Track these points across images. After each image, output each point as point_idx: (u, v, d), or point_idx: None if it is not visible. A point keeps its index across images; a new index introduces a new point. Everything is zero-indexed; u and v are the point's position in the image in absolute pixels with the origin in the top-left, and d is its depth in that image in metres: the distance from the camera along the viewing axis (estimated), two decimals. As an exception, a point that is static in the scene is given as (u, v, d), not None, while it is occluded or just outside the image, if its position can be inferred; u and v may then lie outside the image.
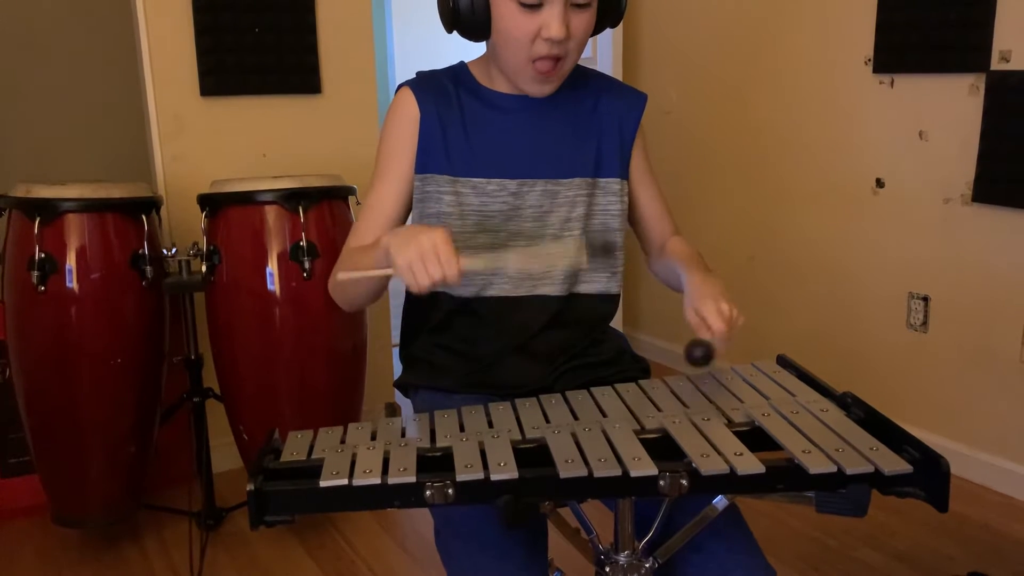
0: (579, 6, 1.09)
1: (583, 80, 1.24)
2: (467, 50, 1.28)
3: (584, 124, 1.22)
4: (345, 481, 0.85)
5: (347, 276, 1.07)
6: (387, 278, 1.06)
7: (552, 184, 1.19)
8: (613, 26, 1.20)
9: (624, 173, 1.23)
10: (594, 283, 1.23)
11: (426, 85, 1.20)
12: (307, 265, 1.93)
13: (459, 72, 1.23)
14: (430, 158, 1.18)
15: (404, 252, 0.96)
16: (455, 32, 1.15)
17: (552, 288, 1.20)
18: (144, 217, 1.96)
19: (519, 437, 0.93)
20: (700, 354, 0.99)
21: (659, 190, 1.29)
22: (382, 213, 1.18)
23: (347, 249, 1.19)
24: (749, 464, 0.84)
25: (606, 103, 1.23)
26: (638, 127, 1.25)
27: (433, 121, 1.17)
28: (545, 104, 1.20)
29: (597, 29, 1.18)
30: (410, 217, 1.22)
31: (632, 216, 1.29)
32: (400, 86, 1.21)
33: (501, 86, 1.20)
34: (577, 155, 1.21)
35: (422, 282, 0.96)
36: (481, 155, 1.18)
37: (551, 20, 1.07)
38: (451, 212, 1.17)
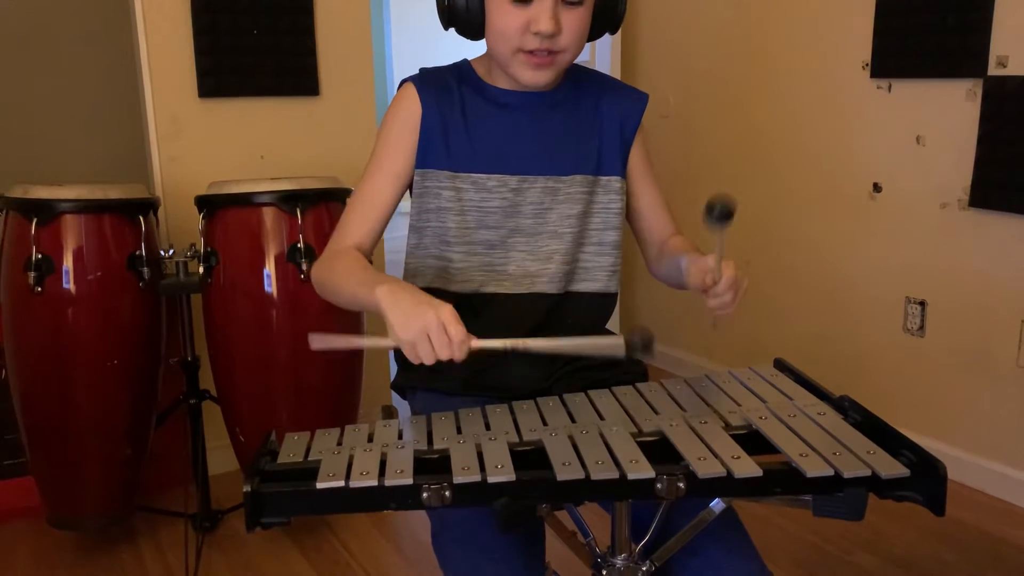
0: (571, 4, 1.10)
1: (585, 79, 1.24)
2: (465, 53, 1.28)
3: (585, 122, 1.22)
4: (341, 483, 0.85)
5: (326, 345, 0.99)
6: (371, 302, 0.99)
7: (552, 181, 1.19)
8: (612, 32, 1.20)
9: (625, 172, 1.24)
10: (592, 282, 1.23)
11: (429, 81, 1.20)
12: (304, 267, 1.93)
13: (462, 69, 1.23)
14: (430, 153, 1.18)
15: (408, 327, 0.93)
16: (452, 29, 1.16)
17: (549, 286, 1.20)
18: (141, 218, 1.96)
19: (516, 439, 0.93)
20: (719, 209, 0.91)
21: (659, 190, 1.29)
22: (373, 206, 1.18)
23: (337, 250, 1.17)
24: (746, 467, 0.84)
25: (607, 102, 1.23)
26: (639, 126, 1.25)
27: (434, 116, 1.18)
28: (547, 102, 1.20)
29: (595, 35, 1.18)
30: (409, 212, 1.22)
31: (631, 215, 1.29)
32: (403, 81, 1.21)
33: (503, 83, 1.20)
34: (578, 153, 1.21)
35: (426, 360, 0.93)
36: (481, 151, 1.18)
37: (540, 14, 1.08)
38: (450, 207, 1.17)
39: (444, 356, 0.93)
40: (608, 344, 0.94)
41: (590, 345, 0.94)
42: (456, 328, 0.93)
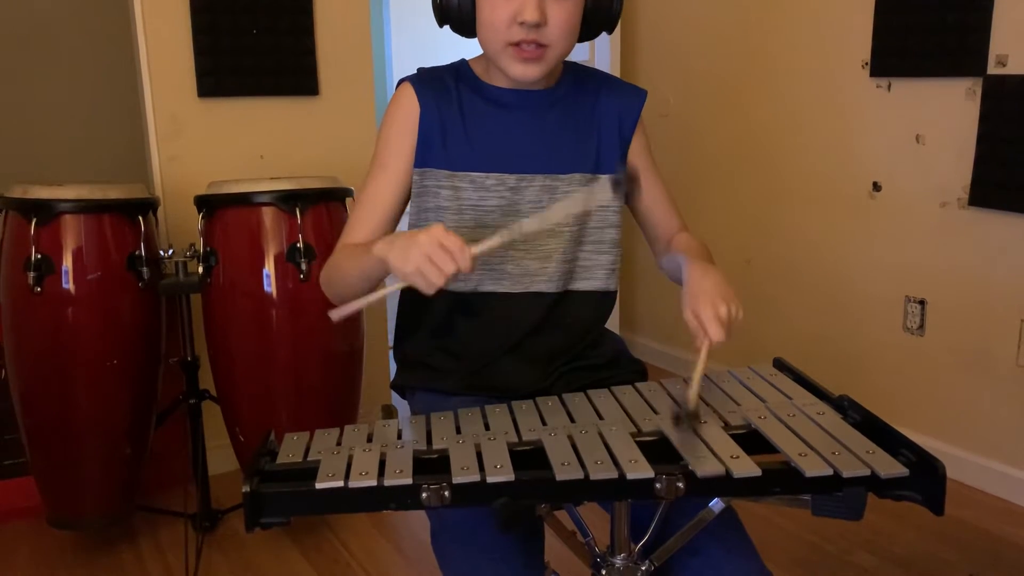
0: None
1: (583, 77, 1.24)
2: (464, 52, 1.28)
3: (584, 120, 1.22)
4: (341, 483, 0.85)
5: (340, 313, 1.01)
6: (381, 279, 1.05)
7: (551, 179, 1.19)
8: (609, 31, 1.20)
9: None
10: (591, 280, 1.23)
11: (427, 80, 1.20)
12: (304, 267, 1.93)
13: (460, 69, 1.23)
14: (429, 152, 1.18)
15: (408, 258, 0.94)
16: (447, 27, 1.16)
17: (548, 285, 1.20)
18: (141, 218, 1.96)
19: (515, 439, 0.93)
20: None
21: (663, 185, 1.29)
22: (378, 207, 1.19)
23: (340, 247, 1.18)
24: (745, 467, 0.84)
25: (606, 99, 1.23)
26: (637, 122, 1.25)
27: (432, 116, 1.18)
28: (545, 100, 1.20)
29: (592, 34, 1.18)
30: (408, 212, 1.22)
31: (636, 211, 1.28)
32: (401, 81, 1.21)
33: (501, 82, 1.20)
34: (576, 151, 1.21)
35: (436, 281, 0.93)
36: (479, 150, 1.18)
37: (526, 4, 1.08)
38: (449, 206, 1.18)
39: (450, 270, 0.93)
40: (593, 190, 0.92)
41: (577, 201, 0.93)
42: (451, 239, 0.93)
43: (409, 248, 0.95)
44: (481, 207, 1.18)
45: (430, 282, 0.94)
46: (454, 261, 0.93)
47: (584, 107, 1.22)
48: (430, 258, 0.93)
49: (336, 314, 1.02)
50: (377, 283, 1.06)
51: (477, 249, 0.95)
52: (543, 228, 0.93)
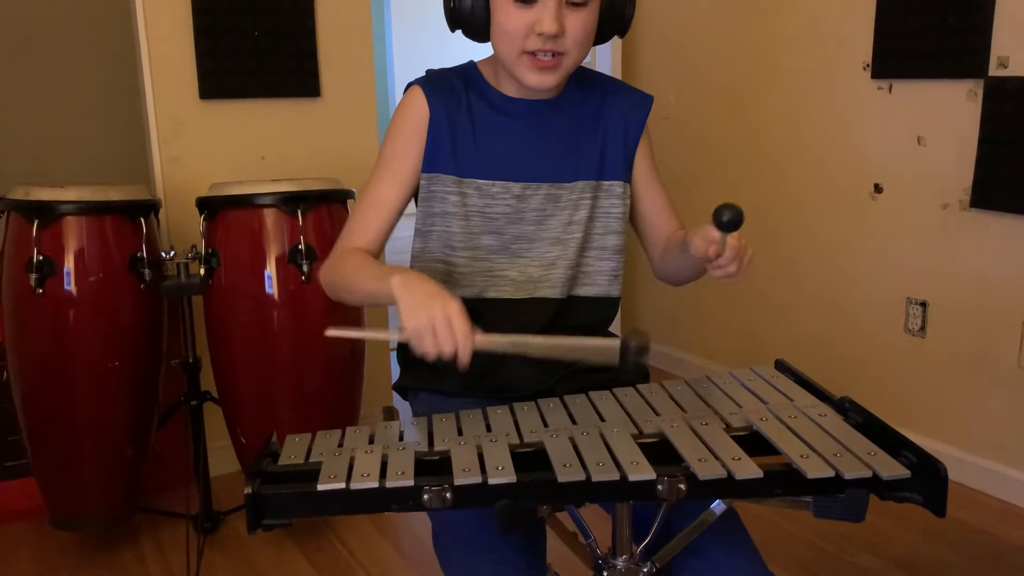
0: (575, 4, 1.10)
1: (588, 82, 1.24)
2: (466, 54, 1.28)
3: (589, 127, 1.22)
4: (343, 485, 0.85)
5: (341, 333, 1.01)
6: (387, 303, 1.03)
7: (555, 188, 1.19)
8: (621, 36, 1.20)
9: (627, 176, 1.23)
10: (594, 286, 1.23)
11: (436, 84, 1.20)
12: (305, 268, 1.93)
13: (469, 72, 1.23)
14: (437, 158, 1.18)
15: (416, 316, 0.93)
16: (458, 31, 1.16)
17: (552, 291, 1.20)
18: (143, 220, 1.96)
19: (517, 441, 0.93)
20: (727, 217, 0.88)
21: (664, 192, 1.29)
22: (381, 210, 1.18)
23: (344, 250, 1.17)
24: (747, 469, 0.84)
25: (611, 105, 1.23)
26: (643, 129, 1.25)
27: (442, 121, 1.18)
28: (550, 108, 1.20)
29: (602, 38, 1.18)
30: (414, 215, 1.22)
31: (636, 218, 1.28)
32: (410, 84, 1.21)
33: (508, 88, 1.20)
34: (581, 158, 1.21)
35: (430, 352, 0.93)
36: (486, 157, 1.18)
37: (544, 15, 1.08)
38: (455, 212, 1.18)
39: (447, 351, 0.93)
40: (604, 347, 0.93)
41: (587, 346, 0.94)
42: (461, 325, 0.93)
43: (421, 308, 0.94)
44: (487, 214, 1.18)
45: (424, 350, 0.94)
46: (455, 346, 0.93)
47: (589, 113, 1.22)
48: (435, 330, 0.92)
49: (334, 333, 1.01)
50: (382, 304, 1.05)
51: (480, 342, 0.94)
52: (550, 349, 0.94)
